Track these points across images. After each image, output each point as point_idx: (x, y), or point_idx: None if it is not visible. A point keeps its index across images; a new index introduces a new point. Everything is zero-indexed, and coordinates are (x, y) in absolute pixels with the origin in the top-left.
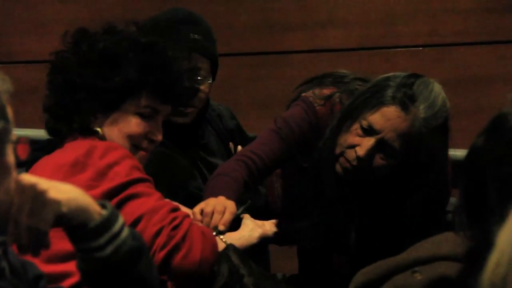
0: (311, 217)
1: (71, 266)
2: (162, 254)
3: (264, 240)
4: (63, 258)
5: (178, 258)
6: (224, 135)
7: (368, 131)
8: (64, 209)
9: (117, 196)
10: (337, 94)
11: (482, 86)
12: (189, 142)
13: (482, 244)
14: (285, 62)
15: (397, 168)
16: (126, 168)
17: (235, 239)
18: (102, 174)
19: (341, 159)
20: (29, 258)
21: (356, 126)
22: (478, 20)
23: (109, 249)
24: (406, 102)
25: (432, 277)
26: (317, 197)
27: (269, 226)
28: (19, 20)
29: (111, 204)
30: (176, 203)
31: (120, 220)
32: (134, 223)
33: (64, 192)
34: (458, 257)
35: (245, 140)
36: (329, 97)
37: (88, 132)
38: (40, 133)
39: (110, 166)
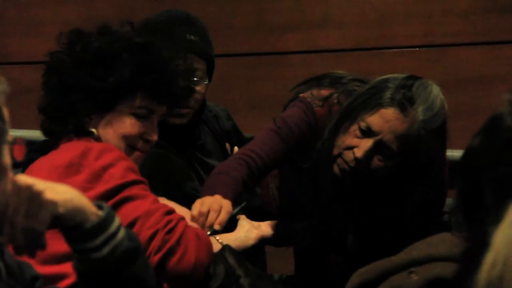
0: (308, 218)
1: (67, 267)
2: (157, 257)
3: (260, 241)
4: (59, 259)
5: (173, 261)
6: (220, 136)
7: (367, 132)
8: (61, 210)
9: (112, 198)
10: (335, 95)
11: (478, 87)
12: (186, 143)
13: (478, 245)
14: (281, 62)
15: (395, 170)
16: (121, 170)
17: (231, 240)
18: (97, 176)
19: (339, 160)
20: (25, 259)
21: (354, 128)
22: (474, 21)
23: (105, 250)
24: (404, 104)
25: (429, 278)
26: (314, 198)
27: (265, 227)
28: (15, 21)
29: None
30: (171, 206)
31: (117, 221)
32: (129, 226)
33: (60, 193)
34: (454, 257)
35: (241, 141)
36: (327, 98)
37: (83, 133)
38: (36, 134)
39: (105, 168)
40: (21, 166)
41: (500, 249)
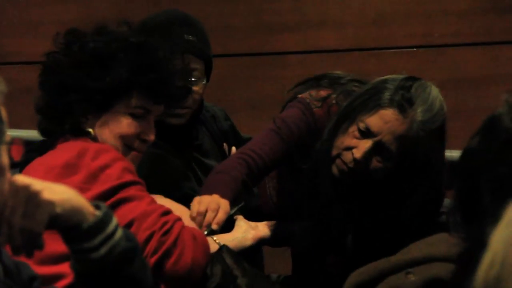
0: (307, 218)
1: (64, 267)
2: (153, 259)
3: (257, 242)
4: (56, 259)
5: (169, 263)
6: (218, 136)
7: (366, 133)
8: (58, 210)
9: (108, 199)
10: (334, 96)
11: (477, 87)
12: (183, 143)
13: (476, 245)
14: (279, 63)
15: (393, 170)
16: (118, 170)
17: (228, 241)
18: (93, 177)
19: (338, 161)
20: (22, 259)
21: (353, 128)
22: (472, 21)
23: (103, 250)
24: (404, 105)
25: (426, 278)
26: (313, 198)
27: (262, 228)
28: (14, 21)
29: None
30: (168, 204)
31: (114, 221)
32: (126, 228)
33: (58, 193)
34: (452, 258)
35: (239, 141)
36: (325, 99)
37: (80, 133)
38: (34, 134)
39: (102, 169)
40: (18, 166)
41: (498, 249)
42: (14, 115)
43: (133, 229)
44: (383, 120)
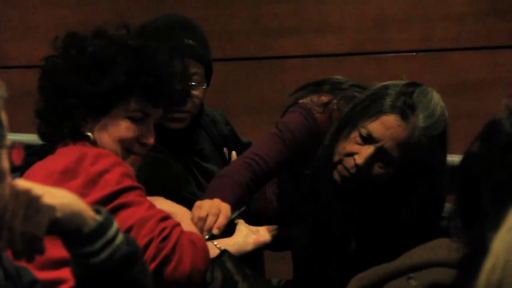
0: (308, 223)
1: (64, 272)
2: (152, 266)
3: (258, 246)
4: (56, 264)
5: (168, 270)
6: (218, 141)
7: (367, 139)
8: (59, 214)
9: (107, 205)
10: (335, 101)
11: (477, 91)
12: (184, 148)
13: (477, 250)
14: (278, 67)
15: (395, 176)
16: (117, 176)
17: (229, 245)
18: (92, 182)
19: (339, 167)
20: (22, 264)
21: (355, 134)
22: (472, 25)
23: (103, 255)
24: (405, 111)
25: (427, 283)
26: (314, 203)
27: (263, 232)
28: (14, 25)
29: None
30: (169, 205)
31: (115, 225)
32: None
33: (58, 197)
34: (453, 263)
35: (239, 145)
36: (327, 104)
37: (79, 137)
38: (34, 138)
39: (101, 174)
40: (19, 170)
41: (499, 254)
42: (15, 119)
43: (132, 235)
44: (385, 126)
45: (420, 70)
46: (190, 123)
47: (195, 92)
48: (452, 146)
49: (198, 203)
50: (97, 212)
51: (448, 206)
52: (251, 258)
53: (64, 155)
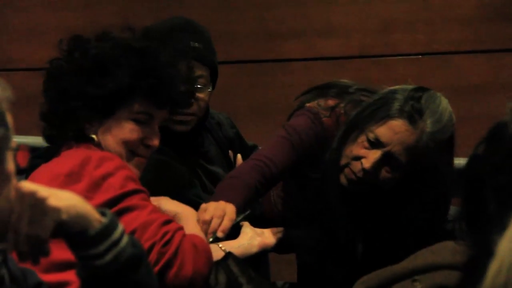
0: (313, 226)
1: (69, 275)
2: (154, 270)
3: (263, 249)
4: (61, 267)
5: (170, 275)
6: (223, 144)
7: (375, 143)
8: (64, 216)
9: (111, 209)
10: (342, 105)
11: (480, 95)
12: (189, 150)
13: (482, 253)
14: (283, 70)
15: (402, 180)
16: (120, 179)
17: (234, 248)
18: (96, 185)
19: (347, 170)
20: (28, 266)
21: (362, 138)
22: (476, 28)
23: (109, 257)
24: (413, 115)
25: (432, 286)
26: (320, 207)
27: (268, 235)
28: (18, 28)
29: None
30: (174, 205)
31: (120, 227)
32: None
33: (63, 199)
34: (458, 266)
35: (244, 148)
36: (334, 108)
37: (83, 139)
38: (39, 140)
39: (104, 177)
40: (24, 172)
41: (505, 256)
42: (20, 121)
43: None
44: (393, 130)
45: (424, 73)
46: (196, 125)
47: (200, 95)
48: (457, 149)
49: (203, 205)
50: (102, 214)
51: (453, 209)
52: (256, 261)
53: (69, 158)
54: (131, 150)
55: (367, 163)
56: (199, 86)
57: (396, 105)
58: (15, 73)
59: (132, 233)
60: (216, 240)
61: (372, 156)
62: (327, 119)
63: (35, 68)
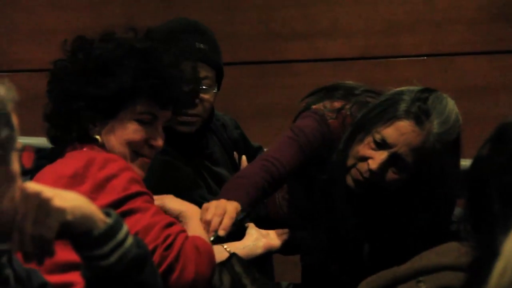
0: (320, 227)
1: (73, 276)
2: None
3: (268, 250)
4: (65, 268)
5: (172, 278)
6: (228, 145)
7: (381, 144)
8: (69, 217)
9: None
10: (348, 107)
11: (486, 96)
12: (194, 152)
13: (487, 253)
14: (287, 71)
15: (408, 181)
16: (124, 181)
17: (239, 249)
18: (100, 187)
19: (353, 171)
20: (32, 267)
21: (369, 140)
22: (481, 30)
23: (113, 257)
24: (420, 116)
25: (437, 287)
26: (327, 209)
27: (273, 236)
28: (22, 29)
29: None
30: (178, 204)
31: (125, 228)
32: None
33: (68, 200)
34: (462, 266)
35: (249, 150)
36: (340, 110)
37: (87, 140)
38: (44, 141)
39: (108, 179)
40: (29, 173)
41: (510, 257)
42: (25, 122)
43: None
44: (400, 131)
45: (429, 74)
46: (201, 127)
47: (205, 96)
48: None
49: (205, 205)
50: (107, 214)
51: (457, 210)
52: (261, 262)
53: (73, 159)
54: (135, 150)
55: (373, 164)
56: (204, 87)
57: (403, 106)
58: (20, 74)
59: (135, 235)
60: (218, 239)
61: (378, 157)
62: (333, 121)
63: (40, 69)
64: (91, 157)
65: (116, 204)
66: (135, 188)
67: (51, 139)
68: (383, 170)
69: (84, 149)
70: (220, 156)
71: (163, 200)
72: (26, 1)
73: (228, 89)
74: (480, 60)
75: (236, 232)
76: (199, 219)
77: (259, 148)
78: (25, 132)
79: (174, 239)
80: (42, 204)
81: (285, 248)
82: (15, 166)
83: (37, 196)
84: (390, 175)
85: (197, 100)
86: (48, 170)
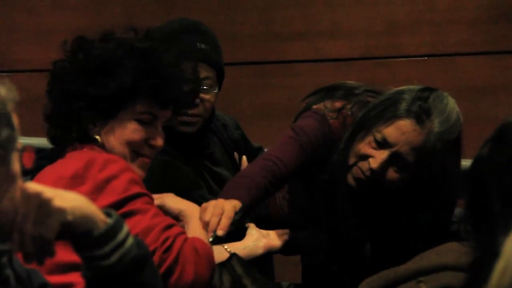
0: (321, 227)
1: (73, 277)
2: None
3: (269, 250)
4: (66, 268)
5: (172, 280)
6: (229, 145)
7: (382, 144)
8: (69, 217)
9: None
10: (348, 107)
11: (487, 96)
12: (195, 152)
13: (488, 253)
14: (288, 71)
15: (409, 181)
16: (124, 182)
17: (239, 249)
18: (100, 188)
19: (354, 169)
20: (33, 267)
21: (369, 139)
22: (482, 30)
23: (114, 258)
24: (421, 115)
25: (437, 287)
26: (328, 209)
27: (274, 236)
28: (23, 29)
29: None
30: (179, 203)
31: (125, 228)
32: None
33: (69, 200)
34: (462, 267)
35: (250, 150)
36: (340, 110)
37: (87, 140)
38: (45, 142)
39: (108, 180)
40: (30, 173)
41: (510, 257)
42: (26, 122)
43: None
44: (400, 130)
45: (430, 74)
46: (201, 127)
47: (206, 96)
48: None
49: (204, 205)
50: (108, 215)
51: (457, 210)
52: (261, 262)
53: (73, 160)
54: (135, 150)
55: (374, 163)
56: (205, 87)
57: (404, 105)
58: (20, 74)
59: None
60: (217, 239)
61: (379, 156)
62: (334, 121)
63: (41, 69)
64: (91, 157)
65: (116, 205)
66: (135, 189)
67: (51, 139)
68: (384, 169)
69: (84, 149)
70: (220, 156)
71: (163, 199)
72: (26, 1)
73: (228, 89)
74: (480, 60)
75: (236, 232)
76: (198, 218)
77: (260, 149)
78: (26, 132)
79: (173, 241)
80: (42, 205)
81: (286, 249)
82: (16, 166)
83: (37, 196)
84: (391, 174)
85: (197, 100)
86: (49, 170)
